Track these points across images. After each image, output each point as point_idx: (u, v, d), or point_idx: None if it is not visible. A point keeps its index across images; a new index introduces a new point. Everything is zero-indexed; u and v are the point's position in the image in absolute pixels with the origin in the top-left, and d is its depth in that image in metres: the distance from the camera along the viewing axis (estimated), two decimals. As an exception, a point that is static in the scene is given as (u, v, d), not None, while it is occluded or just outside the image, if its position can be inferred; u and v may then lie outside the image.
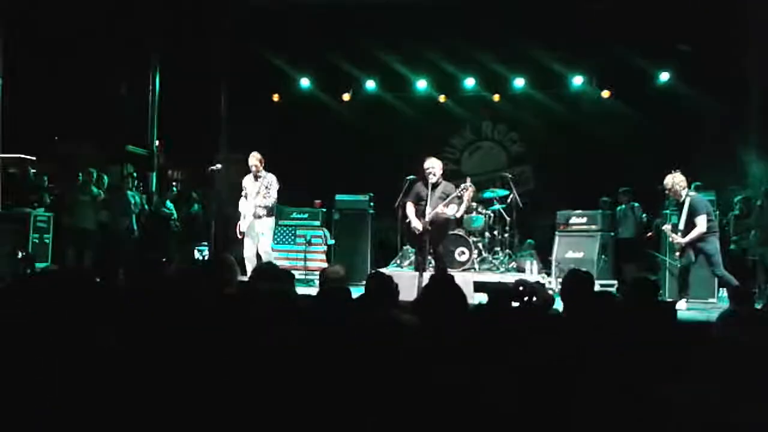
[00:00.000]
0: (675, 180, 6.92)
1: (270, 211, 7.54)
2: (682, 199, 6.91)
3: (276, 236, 9.10)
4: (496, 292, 4.56)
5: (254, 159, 7.59)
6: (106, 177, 9.39)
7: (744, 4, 8.83)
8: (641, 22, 9.24)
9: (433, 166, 7.04)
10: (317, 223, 9.15)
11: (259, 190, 7.45)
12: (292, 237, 9.07)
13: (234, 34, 10.57)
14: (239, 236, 7.51)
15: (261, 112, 11.15)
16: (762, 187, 8.18)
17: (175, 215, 9.98)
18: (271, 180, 7.54)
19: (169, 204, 10.02)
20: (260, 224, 7.50)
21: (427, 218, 6.87)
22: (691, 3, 8.96)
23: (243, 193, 7.62)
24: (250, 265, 7.31)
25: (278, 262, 8.58)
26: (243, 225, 7.48)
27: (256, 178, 7.55)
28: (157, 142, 10.60)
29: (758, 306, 6.19)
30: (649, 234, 9.07)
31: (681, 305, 6.64)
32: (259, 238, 7.49)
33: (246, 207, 7.51)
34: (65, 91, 9.63)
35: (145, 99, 10.33)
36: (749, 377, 2.35)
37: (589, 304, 3.80)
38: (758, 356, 2.48)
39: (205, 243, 8.88)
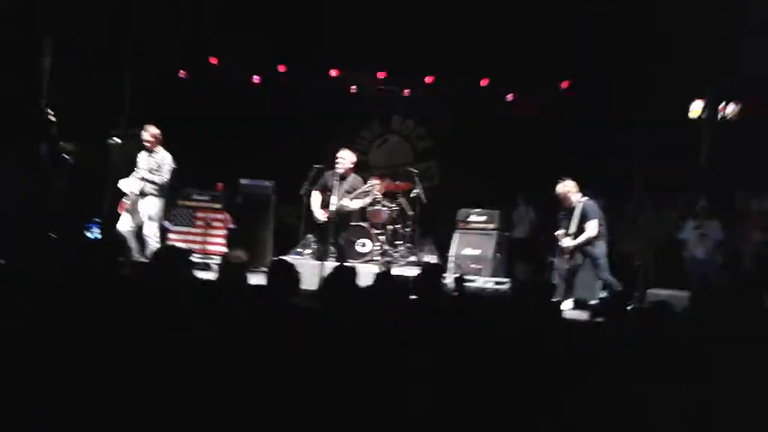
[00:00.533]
0: (566, 187, 7.27)
1: (159, 191, 7.18)
2: (573, 204, 7.27)
3: (174, 218, 8.83)
4: (398, 284, 4.66)
5: (147, 134, 7.22)
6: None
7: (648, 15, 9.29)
8: (549, 26, 9.57)
9: (344, 157, 7.08)
10: (218, 206, 8.95)
11: (150, 166, 7.13)
12: (191, 219, 8.82)
13: (141, 4, 10.09)
14: (120, 212, 7.17)
15: (166, 88, 10.75)
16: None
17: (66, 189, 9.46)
18: (164, 157, 7.18)
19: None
20: (146, 205, 7.12)
21: (333, 209, 6.90)
22: (595, 11, 9.35)
23: (135, 169, 7.25)
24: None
25: (175, 244, 8.36)
26: (127, 202, 7.11)
27: (150, 153, 7.20)
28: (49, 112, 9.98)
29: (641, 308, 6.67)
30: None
31: (567, 305, 7.01)
32: (143, 219, 7.13)
33: (130, 184, 7.13)
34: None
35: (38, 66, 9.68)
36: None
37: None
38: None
39: (97, 220, 8.48)
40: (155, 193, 7.16)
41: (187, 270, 3.86)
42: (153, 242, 7.16)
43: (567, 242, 7.26)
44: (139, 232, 7.21)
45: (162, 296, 2.92)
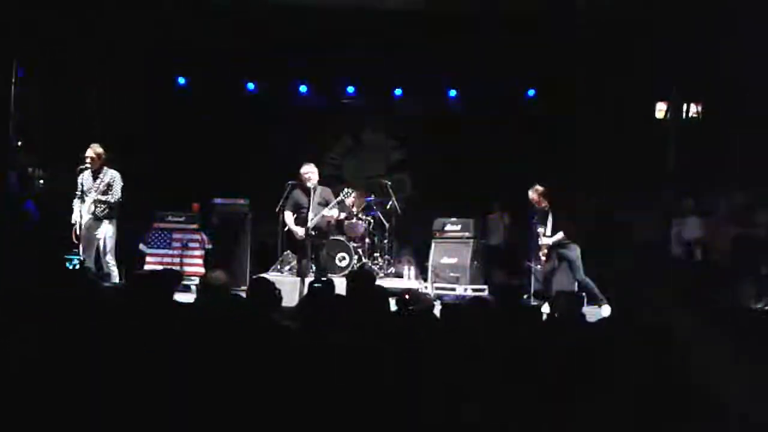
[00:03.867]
0: (538, 191, 7.40)
1: (112, 212, 6.93)
2: (546, 207, 7.39)
3: (151, 240, 8.77)
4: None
5: (91, 152, 6.87)
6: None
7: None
8: (516, 36, 9.72)
9: (311, 171, 7.09)
10: (194, 226, 8.91)
11: (98, 186, 6.85)
12: (168, 241, 8.76)
13: (109, 21, 10.04)
14: (75, 240, 6.88)
15: (135, 110, 10.69)
16: None
17: (37, 217, 9.34)
18: (114, 176, 6.92)
19: (29, 205, 9.36)
20: (101, 228, 6.88)
21: (310, 224, 6.91)
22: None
23: (77, 192, 6.96)
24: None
25: (152, 267, 8.30)
26: (79, 228, 6.83)
27: (96, 175, 6.93)
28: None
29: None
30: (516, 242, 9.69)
31: (545, 308, 7.10)
32: (100, 243, 6.87)
33: (83, 207, 6.87)
34: None
35: (5, 90, 9.58)
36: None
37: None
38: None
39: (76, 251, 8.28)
40: (107, 214, 6.91)
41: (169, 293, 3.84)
42: (114, 268, 6.95)
43: (544, 240, 7.37)
44: (98, 258, 6.92)
45: (144, 320, 2.92)
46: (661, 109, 10.35)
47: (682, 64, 9.09)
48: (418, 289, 4.00)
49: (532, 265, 8.40)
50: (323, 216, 6.90)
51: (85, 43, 9.86)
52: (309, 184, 7.02)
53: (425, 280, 8.80)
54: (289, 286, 6.84)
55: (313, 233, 6.93)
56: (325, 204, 7.02)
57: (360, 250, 8.91)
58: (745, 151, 8.55)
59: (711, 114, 9.69)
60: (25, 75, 9.58)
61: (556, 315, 4.40)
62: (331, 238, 8.16)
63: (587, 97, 10.07)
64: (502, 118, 10.79)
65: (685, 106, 10.01)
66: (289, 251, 8.68)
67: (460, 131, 11.05)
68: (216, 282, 4.35)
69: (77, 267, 5.09)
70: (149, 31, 9.92)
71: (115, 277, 6.93)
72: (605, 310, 6.95)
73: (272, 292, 4.00)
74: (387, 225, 9.30)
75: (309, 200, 7.01)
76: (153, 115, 10.75)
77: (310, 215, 6.92)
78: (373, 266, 8.96)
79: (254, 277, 5.11)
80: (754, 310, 6.80)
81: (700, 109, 9.94)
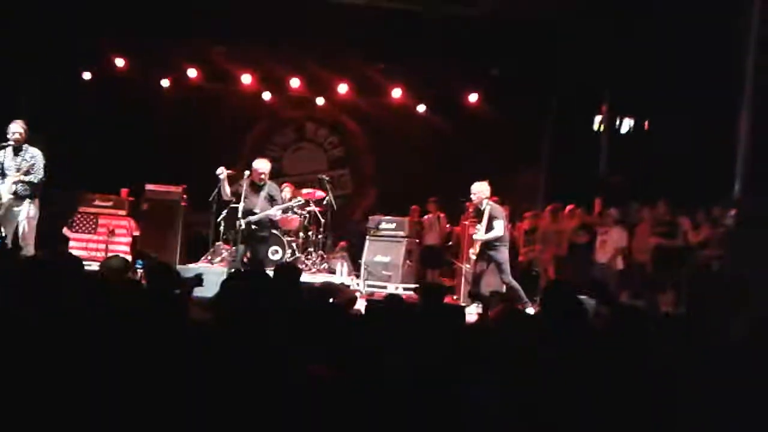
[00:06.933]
0: (482, 187, 7.49)
1: (35, 191, 6.60)
2: (483, 207, 7.49)
3: (75, 224, 8.49)
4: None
5: (18, 127, 6.54)
6: None
7: (552, 38, 9.73)
8: (457, 44, 9.86)
9: (265, 169, 7.06)
10: (123, 212, 8.67)
11: (20, 165, 6.51)
12: (93, 226, 8.50)
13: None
14: None
15: (68, 89, 10.32)
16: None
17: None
18: (35, 154, 6.58)
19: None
20: (23, 208, 6.56)
21: (253, 218, 6.91)
22: (504, 32, 9.71)
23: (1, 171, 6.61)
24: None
25: (76, 252, 8.04)
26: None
27: (17, 152, 6.56)
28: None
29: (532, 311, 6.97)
30: (450, 243, 9.80)
31: (472, 309, 7.20)
32: (20, 223, 6.56)
33: (3, 187, 6.54)
34: None
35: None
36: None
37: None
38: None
39: None
40: (30, 193, 6.58)
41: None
42: (31, 250, 6.64)
43: (476, 236, 7.44)
44: (16, 240, 6.56)
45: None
46: (597, 121, 10.69)
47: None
48: (340, 283, 4.03)
49: (463, 265, 8.50)
50: (269, 215, 6.93)
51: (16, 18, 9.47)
52: (261, 181, 7.01)
53: (358, 276, 8.81)
54: (216, 276, 6.73)
55: (253, 227, 6.91)
56: (270, 199, 7.04)
57: (294, 245, 8.85)
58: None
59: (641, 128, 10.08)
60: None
61: (489, 315, 4.46)
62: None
63: (526, 103, 10.29)
64: (443, 119, 10.94)
65: (618, 120, 10.35)
66: (221, 242, 8.55)
67: (402, 130, 11.13)
68: (108, 267, 4.21)
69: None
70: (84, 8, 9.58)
71: None
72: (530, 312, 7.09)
73: (172, 278, 3.93)
74: (322, 221, 9.26)
75: (251, 192, 6.98)
76: (85, 94, 10.44)
77: (257, 210, 6.90)
78: (306, 261, 8.91)
79: (159, 263, 4.89)
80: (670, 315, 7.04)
81: (632, 123, 10.30)
